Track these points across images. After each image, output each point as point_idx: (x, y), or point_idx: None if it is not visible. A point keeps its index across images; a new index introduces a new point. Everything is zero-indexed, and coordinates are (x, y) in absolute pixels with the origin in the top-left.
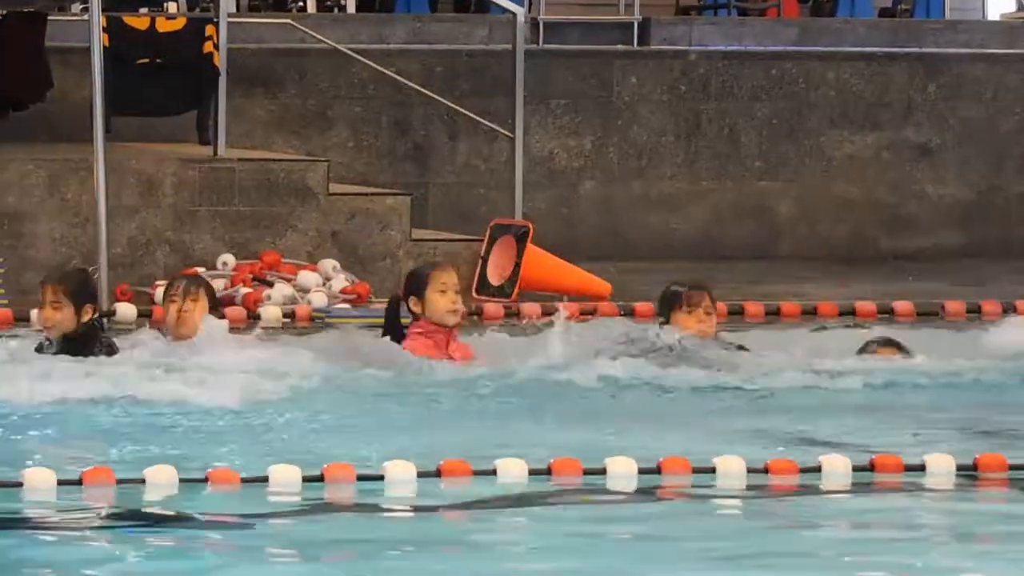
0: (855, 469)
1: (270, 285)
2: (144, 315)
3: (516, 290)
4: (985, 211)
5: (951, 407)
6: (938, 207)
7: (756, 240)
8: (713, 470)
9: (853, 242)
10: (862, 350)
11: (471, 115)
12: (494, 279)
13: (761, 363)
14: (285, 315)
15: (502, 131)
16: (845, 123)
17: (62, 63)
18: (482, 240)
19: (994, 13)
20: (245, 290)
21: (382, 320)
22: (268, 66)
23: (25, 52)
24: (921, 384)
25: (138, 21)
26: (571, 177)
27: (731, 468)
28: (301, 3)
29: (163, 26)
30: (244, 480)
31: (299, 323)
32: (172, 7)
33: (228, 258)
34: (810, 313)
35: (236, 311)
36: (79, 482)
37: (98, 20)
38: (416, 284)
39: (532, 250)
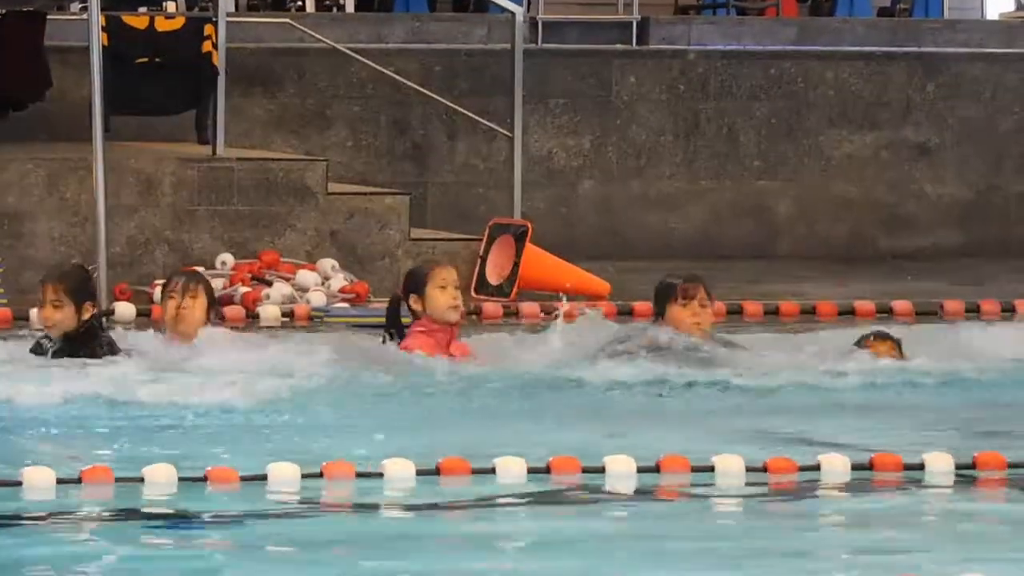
0: (854, 468)
1: (269, 284)
2: (143, 314)
3: (515, 289)
4: (984, 210)
5: (950, 406)
6: (937, 206)
7: (755, 239)
8: (712, 469)
9: (852, 241)
10: (857, 344)
11: (470, 114)
12: (493, 278)
13: (760, 362)
14: (284, 314)
15: (501, 130)
16: (844, 122)
17: (61, 62)
18: (481, 239)
19: (993, 12)
20: (244, 289)
21: (381, 319)
22: (267, 65)
23: (24, 51)
24: (920, 383)
25: (137, 20)
26: (570, 176)
27: (730, 467)
28: (300, 2)
29: (162, 25)
30: (243, 478)
31: (298, 322)
32: (171, 6)
33: (227, 257)
34: (809, 312)
35: (235, 310)
36: (78, 481)
37: (97, 19)
38: (416, 282)
39: (531, 249)
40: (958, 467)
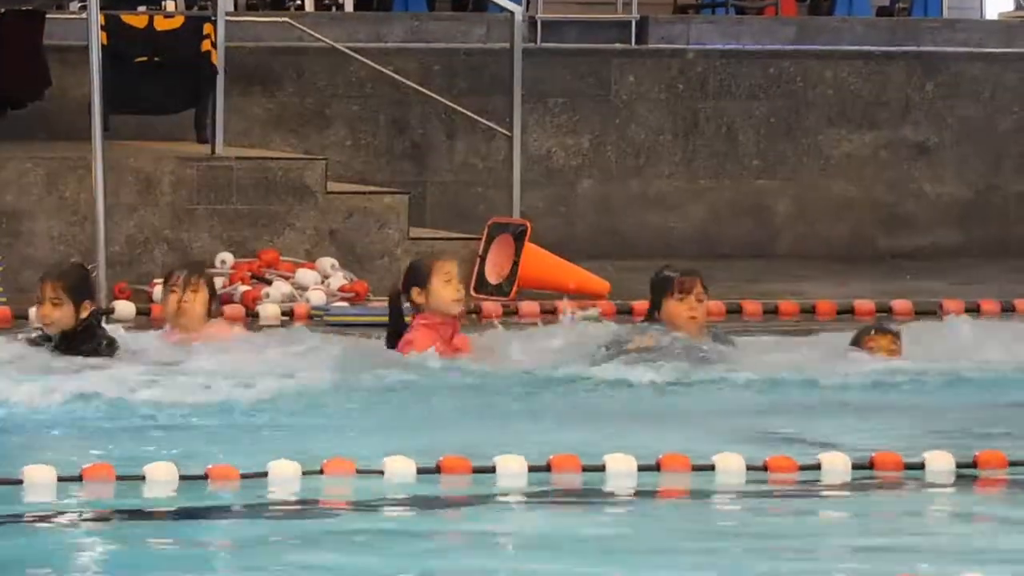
0: (855, 467)
1: (268, 283)
2: (143, 313)
3: (514, 289)
4: (983, 210)
5: (951, 404)
6: (936, 206)
7: (754, 239)
8: (713, 467)
9: (851, 241)
10: (857, 338)
11: (469, 114)
12: (492, 278)
13: (760, 361)
14: (283, 313)
15: (500, 130)
16: (843, 122)
17: (60, 61)
18: (480, 239)
19: (992, 12)
20: (244, 288)
21: (381, 318)
22: (266, 65)
23: (23, 50)
24: (920, 381)
25: (136, 19)
26: (569, 176)
27: (731, 465)
28: (299, 1)
29: (161, 24)
30: (244, 476)
31: (297, 321)
32: (170, 5)
33: (226, 256)
34: (808, 312)
35: (235, 309)
36: (79, 479)
37: (96, 18)
38: (419, 275)
39: (530, 249)
40: (959, 466)
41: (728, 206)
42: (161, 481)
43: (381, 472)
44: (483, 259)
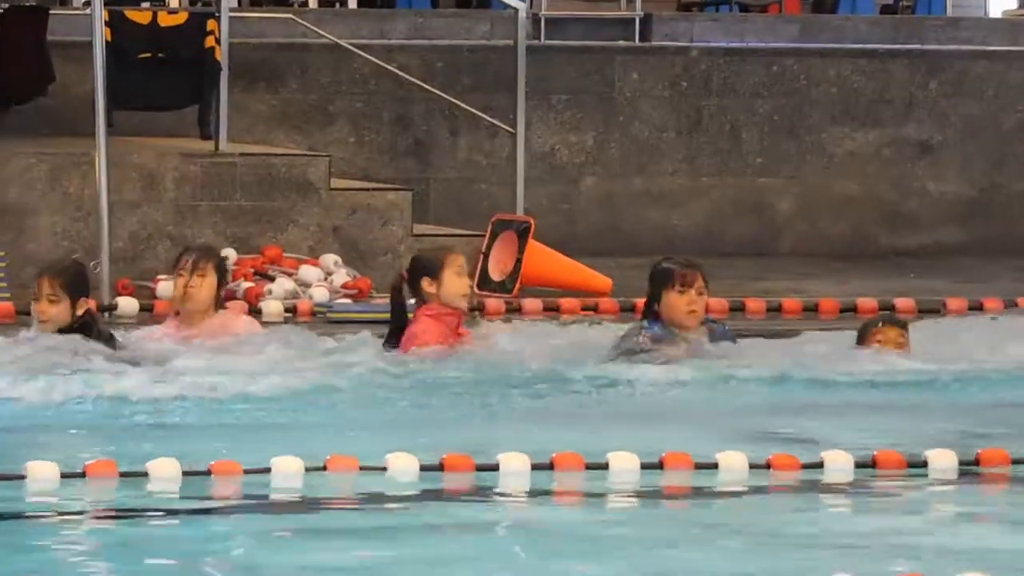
0: (857, 465)
1: (271, 280)
2: (146, 309)
3: (517, 286)
4: (986, 208)
5: (953, 402)
6: (939, 204)
7: (757, 237)
8: (715, 465)
9: (854, 239)
10: (864, 331)
11: (472, 110)
12: (495, 275)
13: (762, 359)
14: (286, 310)
15: (503, 127)
16: (846, 120)
17: (64, 57)
18: (483, 236)
19: (996, 10)
20: (246, 284)
21: (384, 315)
22: (269, 61)
23: (27, 46)
24: (923, 380)
25: (140, 15)
26: (572, 173)
27: (733, 463)
28: None
29: (165, 20)
30: (247, 471)
31: (300, 318)
32: (174, 2)
33: (229, 252)
34: (811, 310)
35: (237, 305)
36: (82, 475)
37: (100, 14)
38: (431, 265)
39: (534, 246)
40: (962, 464)
41: (731, 204)
42: (164, 477)
43: (384, 469)
44: (486, 256)
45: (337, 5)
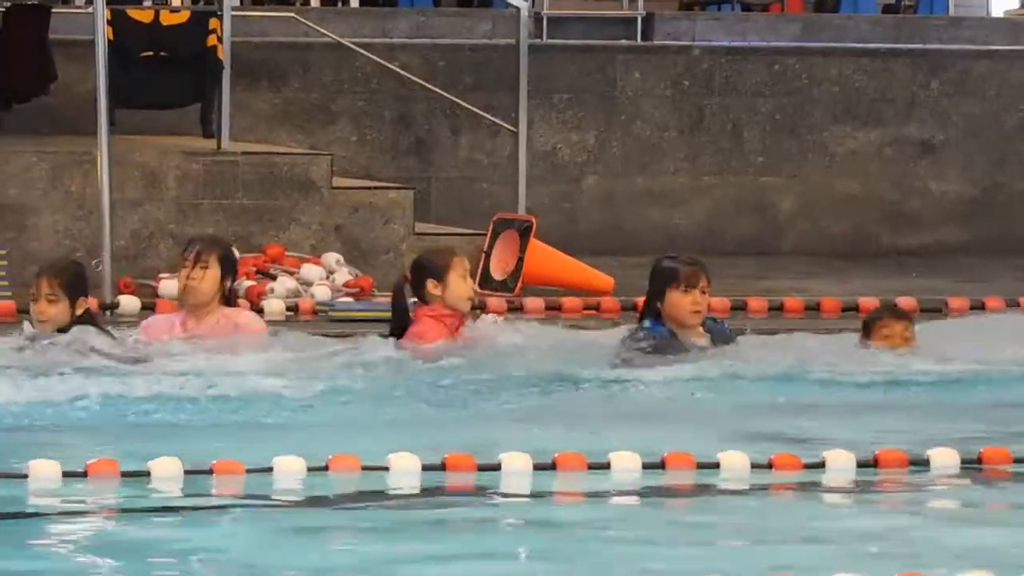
0: (859, 464)
1: (273, 278)
2: (147, 307)
3: (519, 285)
4: (988, 208)
5: (955, 401)
6: (940, 203)
7: (758, 236)
8: (717, 465)
9: (855, 238)
10: (869, 323)
11: (474, 109)
12: (497, 273)
13: (764, 358)
14: (288, 308)
15: (505, 125)
16: (848, 119)
17: (66, 56)
18: (485, 234)
19: (998, 10)
20: (248, 283)
21: (386, 314)
22: (271, 60)
23: (29, 44)
24: (925, 379)
25: (142, 14)
26: (574, 172)
27: (735, 463)
28: None
29: (167, 19)
30: (249, 471)
31: (302, 316)
32: (176, 0)
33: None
34: (813, 309)
35: (240, 304)
36: (84, 474)
37: (102, 13)
38: (435, 268)
39: (535, 245)
40: (964, 462)
41: (733, 203)
42: (166, 476)
43: (386, 468)
44: (488, 255)
45: (339, 4)
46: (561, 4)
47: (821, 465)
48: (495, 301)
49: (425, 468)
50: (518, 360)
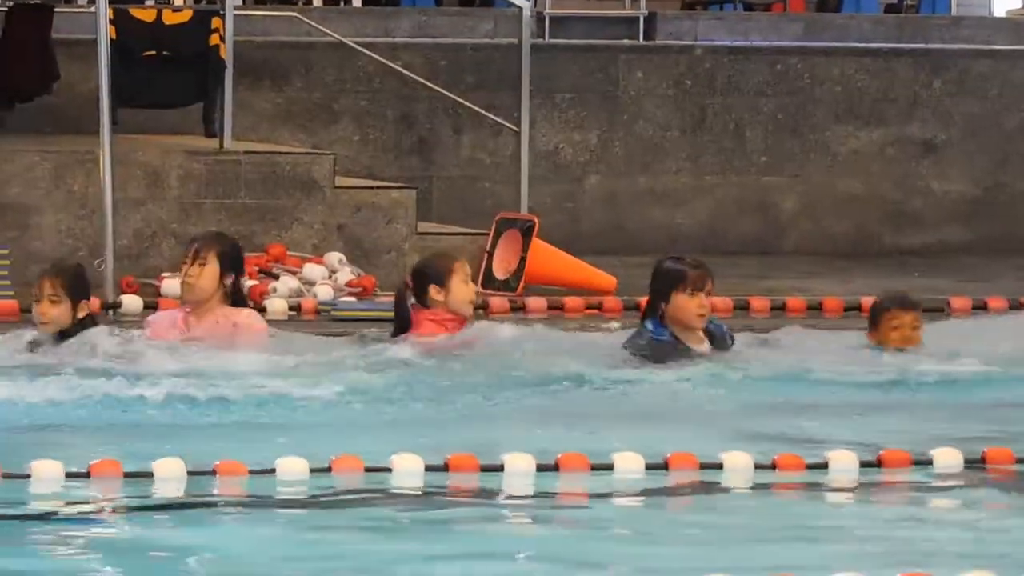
0: (863, 464)
1: (276, 278)
2: (150, 307)
3: (521, 284)
4: (990, 207)
5: (958, 402)
6: (943, 203)
7: (761, 235)
8: (720, 466)
9: (857, 238)
10: (877, 313)
11: (476, 109)
12: (500, 273)
13: (766, 358)
14: (291, 308)
15: (508, 125)
16: (850, 119)
17: (68, 55)
18: (487, 234)
19: (1000, 9)
20: (251, 283)
21: (388, 313)
22: (274, 59)
23: (31, 44)
24: (928, 379)
25: (144, 13)
26: (576, 171)
27: (738, 464)
28: None
29: (169, 18)
30: (252, 472)
31: (305, 316)
32: (178, 0)
33: None
34: (816, 309)
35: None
36: (87, 474)
37: (105, 12)
38: (437, 273)
39: (537, 244)
40: (967, 462)
41: (735, 202)
42: (169, 477)
43: (389, 469)
44: (490, 254)
45: (341, 3)
46: (563, 4)
47: (824, 465)
48: (498, 301)
49: (428, 469)
50: (520, 361)
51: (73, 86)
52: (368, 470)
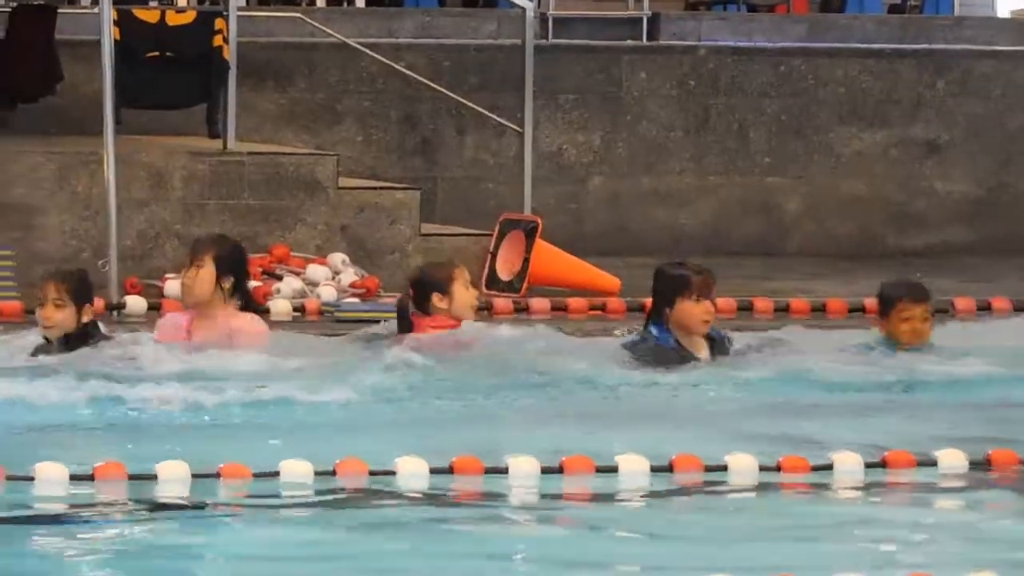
0: (867, 466)
1: (279, 279)
2: (154, 308)
3: (525, 285)
4: (993, 208)
5: (963, 403)
6: (946, 204)
7: (764, 236)
8: (725, 468)
9: (861, 239)
10: (887, 302)
11: (480, 109)
12: (503, 274)
13: (769, 361)
14: (294, 309)
15: (511, 126)
16: (853, 119)
17: (72, 56)
18: (491, 235)
19: (1003, 10)
20: (254, 284)
21: (392, 314)
22: (277, 60)
23: (35, 45)
24: (932, 380)
25: (148, 14)
26: (580, 172)
27: (743, 466)
28: None
29: (173, 19)
30: (256, 475)
31: (308, 317)
32: (181, 1)
33: None
34: (819, 310)
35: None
36: (91, 477)
37: (109, 13)
38: (439, 281)
39: (541, 245)
40: (972, 464)
41: (738, 203)
42: (173, 479)
43: (393, 472)
44: (494, 255)
45: (345, 4)
46: (566, 4)
47: (829, 467)
48: (501, 302)
49: (433, 472)
50: (522, 362)
51: (77, 87)
52: (372, 473)
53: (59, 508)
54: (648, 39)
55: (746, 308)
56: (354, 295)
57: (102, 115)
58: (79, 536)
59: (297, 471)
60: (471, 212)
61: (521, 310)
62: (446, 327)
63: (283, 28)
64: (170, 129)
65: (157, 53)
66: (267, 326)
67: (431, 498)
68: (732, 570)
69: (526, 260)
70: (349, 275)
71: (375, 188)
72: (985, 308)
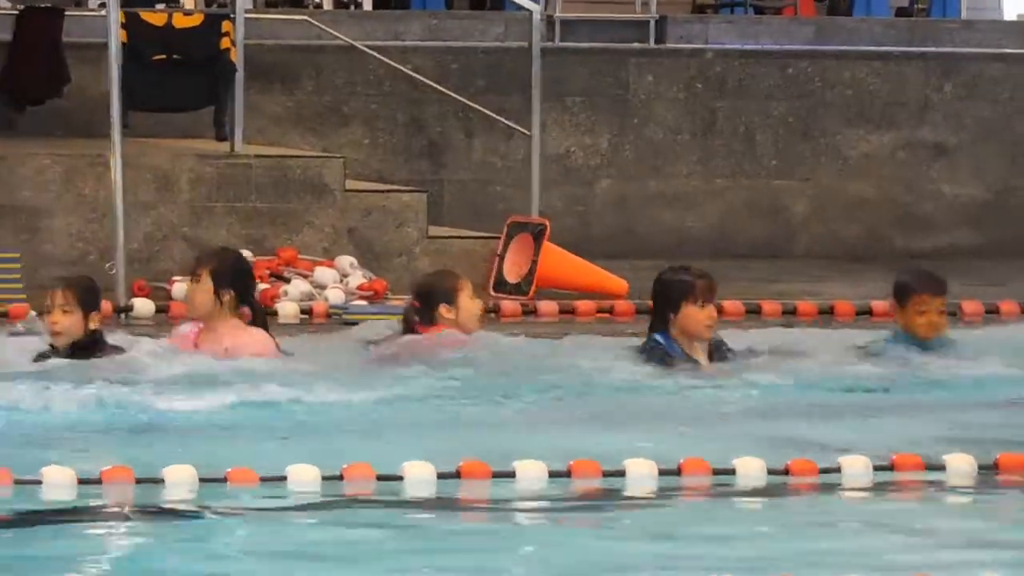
0: (875, 469)
1: (287, 281)
2: (161, 310)
3: (533, 288)
4: (1001, 211)
5: (971, 406)
6: (953, 207)
7: (771, 239)
8: (733, 471)
9: (868, 241)
10: (903, 293)
11: (487, 112)
12: (511, 277)
13: (777, 363)
14: (302, 311)
15: (519, 128)
16: (861, 122)
17: (79, 59)
18: (498, 237)
19: (1011, 13)
20: (262, 286)
21: (399, 317)
22: (284, 62)
23: (43, 47)
24: (940, 383)
25: (155, 17)
26: (587, 175)
27: (751, 469)
28: None
29: (180, 22)
30: (263, 479)
31: (316, 319)
32: (189, 3)
33: (245, 254)
34: (827, 313)
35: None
36: (98, 481)
37: (116, 16)
38: (445, 292)
39: (548, 248)
40: (980, 468)
41: (745, 206)
42: (180, 484)
43: (400, 477)
44: (502, 258)
45: (352, 7)
46: (573, 7)
47: (837, 470)
48: (509, 305)
49: (440, 476)
50: (528, 366)
51: (84, 89)
52: (380, 478)
53: (67, 512)
54: (655, 42)
55: (753, 311)
56: (362, 298)
57: (109, 118)
58: (86, 539)
59: (304, 476)
60: (478, 215)
61: (529, 313)
62: (455, 344)
63: (290, 31)
64: (177, 132)
65: (164, 56)
66: (274, 343)
67: (438, 502)
68: (742, 572)
69: (534, 263)
70: (357, 278)
71: (382, 191)
72: (993, 311)
